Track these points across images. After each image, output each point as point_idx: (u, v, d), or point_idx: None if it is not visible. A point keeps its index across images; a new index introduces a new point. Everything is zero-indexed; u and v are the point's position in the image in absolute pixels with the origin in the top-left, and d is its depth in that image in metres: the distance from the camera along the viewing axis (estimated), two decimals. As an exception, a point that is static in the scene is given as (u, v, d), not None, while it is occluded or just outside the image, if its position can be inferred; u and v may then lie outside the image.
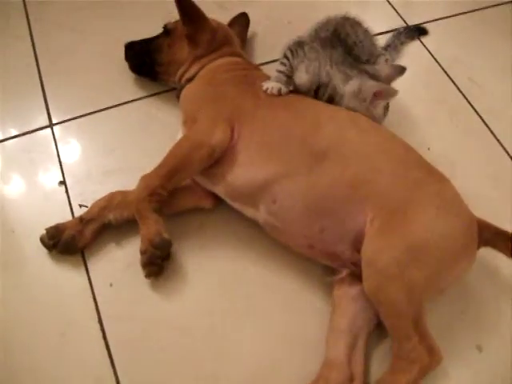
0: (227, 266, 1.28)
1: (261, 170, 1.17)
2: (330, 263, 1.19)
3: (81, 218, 1.25)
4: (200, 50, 1.41)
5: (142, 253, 1.18)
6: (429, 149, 1.47)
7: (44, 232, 1.24)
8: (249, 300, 1.24)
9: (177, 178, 1.20)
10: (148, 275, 1.20)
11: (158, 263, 1.19)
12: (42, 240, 1.24)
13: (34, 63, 1.59)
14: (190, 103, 1.32)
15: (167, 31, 1.46)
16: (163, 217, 1.21)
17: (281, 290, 1.25)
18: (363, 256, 1.07)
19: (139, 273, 1.23)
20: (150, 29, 1.50)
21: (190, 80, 1.40)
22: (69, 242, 1.22)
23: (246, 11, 1.66)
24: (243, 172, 1.19)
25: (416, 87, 1.65)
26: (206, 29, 1.41)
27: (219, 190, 1.25)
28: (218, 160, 1.21)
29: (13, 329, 1.17)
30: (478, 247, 1.13)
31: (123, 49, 1.51)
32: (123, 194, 1.28)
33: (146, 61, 1.48)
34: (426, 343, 1.05)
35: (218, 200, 1.30)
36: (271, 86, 1.27)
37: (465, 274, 1.16)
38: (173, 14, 1.41)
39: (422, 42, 1.77)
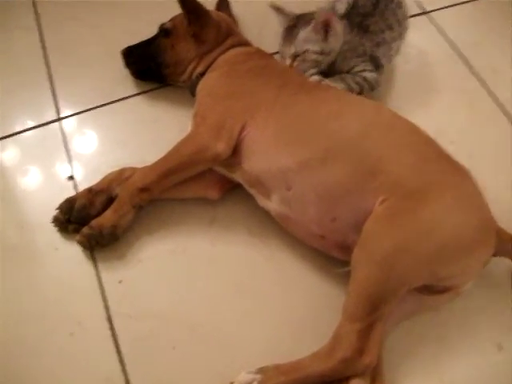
0: (240, 262, 1.24)
1: (277, 157, 1.15)
2: (342, 256, 1.15)
3: (90, 189, 1.25)
4: (207, 46, 1.39)
5: (89, 227, 1.20)
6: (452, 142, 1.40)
7: (56, 213, 1.24)
8: (262, 296, 1.20)
9: (174, 177, 1.22)
10: (78, 243, 1.22)
11: (92, 244, 1.21)
12: (56, 219, 1.24)
13: (42, 55, 1.57)
14: (206, 95, 1.29)
15: (166, 32, 1.41)
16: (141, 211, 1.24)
17: (295, 285, 1.21)
18: (363, 229, 1.04)
19: (149, 269, 1.22)
20: (162, 19, 1.45)
21: (202, 74, 1.37)
22: (81, 211, 1.23)
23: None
24: (259, 160, 1.18)
25: (434, 75, 1.59)
26: (211, 24, 1.38)
27: (237, 177, 1.24)
28: (235, 149, 1.20)
29: (22, 328, 1.15)
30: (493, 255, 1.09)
31: (132, 41, 1.47)
32: (134, 170, 1.27)
33: (150, 65, 1.44)
34: (365, 340, 1.00)
35: (224, 192, 1.29)
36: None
37: (475, 274, 1.10)
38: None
39: (441, 28, 1.70)
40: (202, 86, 1.32)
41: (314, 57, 1.31)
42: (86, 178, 1.34)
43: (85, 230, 1.20)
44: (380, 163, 1.09)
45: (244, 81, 1.26)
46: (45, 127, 1.44)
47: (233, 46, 1.39)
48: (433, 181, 1.07)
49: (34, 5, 1.68)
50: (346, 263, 1.11)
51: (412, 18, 1.55)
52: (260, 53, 1.39)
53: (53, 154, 1.39)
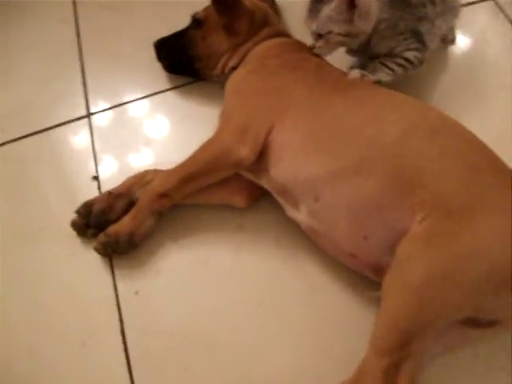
0: (265, 277, 1.13)
1: (305, 163, 1.03)
2: (375, 277, 1.02)
3: (109, 192, 1.19)
4: (240, 37, 1.27)
5: (105, 234, 1.13)
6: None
7: (74, 216, 1.18)
8: (287, 316, 1.09)
9: (196, 183, 1.13)
10: (94, 250, 1.15)
11: (108, 252, 1.14)
12: (74, 224, 1.18)
13: (77, 47, 1.51)
14: (233, 93, 1.18)
15: (198, 22, 1.30)
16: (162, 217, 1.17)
17: (324, 305, 1.10)
18: (397, 251, 0.91)
19: (168, 282, 1.15)
20: (202, 6, 1.33)
21: (235, 68, 1.26)
22: (99, 215, 1.16)
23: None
24: (287, 166, 1.06)
25: (494, 71, 1.39)
26: (243, 14, 1.25)
27: (263, 184, 1.13)
28: (261, 153, 1.09)
29: (33, 335, 1.11)
30: None
31: (170, 31, 1.37)
32: (156, 173, 1.20)
33: (183, 59, 1.34)
34: (392, 379, 0.87)
35: (252, 199, 1.19)
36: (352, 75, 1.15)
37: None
38: None
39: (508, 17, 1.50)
40: (230, 82, 1.21)
41: (338, 39, 1.14)
42: (112, 179, 1.26)
43: (101, 237, 1.14)
44: (421, 175, 0.94)
45: (274, 77, 1.14)
46: (73, 123, 1.38)
47: (268, 37, 1.26)
48: (482, 197, 0.91)
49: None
50: (381, 285, 0.96)
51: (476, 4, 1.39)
52: (297, 44, 1.25)
53: (79, 152, 1.34)
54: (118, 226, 1.14)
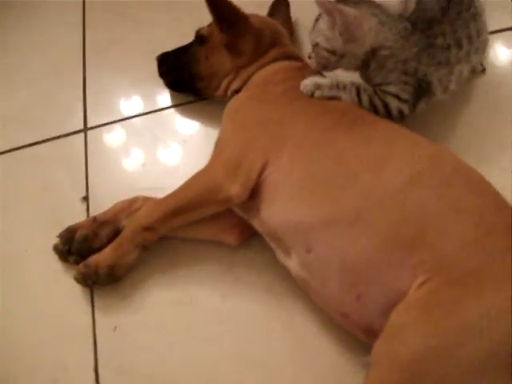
0: (252, 325, 1.04)
1: (299, 209, 0.93)
2: (366, 339, 0.92)
3: (94, 218, 1.12)
4: (244, 58, 1.16)
5: (85, 265, 1.06)
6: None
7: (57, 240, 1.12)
8: (271, 370, 1.00)
9: (183, 218, 1.04)
10: (74, 279, 1.08)
11: (88, 283, 1.08)
12: (56, 248, 1.12)
13: (81, 55, 1.45)
14: (230, 121, 1.09)
15: (201, 39, 1.20)
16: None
17: (312, 362, 1.00)
18: (391, 317, 0.81)
19: (149, 319, 1.08)
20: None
21: (238, 91, 1.17)
22: (82, 242, 1.09)
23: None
24: (279, 209, 0.96)
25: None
26: (249, 32, 1.15)
27: (254, 225, 1.03)
28: (253, 191, 0.99)
29: (4, 366, 1.06)
30: None
31: (177, 42, 1.27)
32: (146, 200, 1.13)
33: (184, 76, 1.24)
34: None
35: (244, 237, 1.09)
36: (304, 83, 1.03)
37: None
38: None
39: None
40: (228, 108, 1.11)
41: (324, 54, 1.03)
42: (102, 201, 1.19)
43: (80, 267, 1.07)
44: (424, 233, 0.84)
45: (274, 107, 1.04)
46: (69, 137, 1.32)
47: (275, 60, 1.15)
48: (492, 264, 0.81)
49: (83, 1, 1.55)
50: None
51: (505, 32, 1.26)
52: (305, 70, 1.13)
53: (71, 169, 1.27)
54: (99, 256, 1.06)
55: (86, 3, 1.54)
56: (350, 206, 0.89)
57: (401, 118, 1.03)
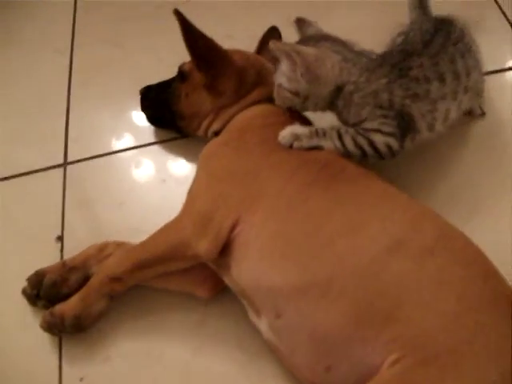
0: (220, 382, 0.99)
1: (269, 271, 0.87)
2: None
3: (64, 263, 1.07)
4: (225, 99, 1.10)
5: (51, 313, 1.01)
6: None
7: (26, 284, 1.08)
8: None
9: (151, 270, 1.00)
10: (40, 327, 1.03)
11: (55, 332, 1.03)
12: (24, 292, 1.07)
13: (67, 83, 1.40)
14: (203, 169, 1.03)
15: (183, 75, 1.14)
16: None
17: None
18: None
19: (116, 371, 1.02)
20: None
21: (218, 133, 1.11)
22: (50, 287, 1.05)
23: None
24: (250, 269, 0.90)
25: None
26: (230, 72, 1.08)
27: (225, 281, 0.98)
28: (224, 247, 0.93)
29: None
30: None
31: (166, 72, 1.22)
32: (118, 246, 1.09)
33: (164, 113, 1.19)
34: None
35: (217, 291, 1.04)
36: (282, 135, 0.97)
37: None
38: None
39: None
40: (203, 154, 1.05)
41: (287, 95, 0.98)
42: (77, 241, 1.14)
43: (46, 315, 1.02)
44: (400, 307, 0.77)
45: (250, 157, 0.97)
46: (48, 171, 1.27)
47: (257, 102, 1.09)
48: (473, 344, 0.74)
49: (74, 24, 1.51)
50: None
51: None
52: (288, 113, 1.06)
53: (47, 206, 1.22)
54: (65, 305, 1.02)
55: (76, 29, 1.50)
56: (321, 273, 0.83)
57: (391, 155, 0.96)
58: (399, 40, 1.04)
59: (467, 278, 0.81)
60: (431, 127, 0.98)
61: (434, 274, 0.80)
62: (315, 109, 1.02)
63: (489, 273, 0.82)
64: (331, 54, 0.96)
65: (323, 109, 1.01)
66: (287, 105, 1.02)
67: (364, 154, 0.96)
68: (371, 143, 0.95)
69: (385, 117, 0.94)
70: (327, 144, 0.97)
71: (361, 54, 0.98)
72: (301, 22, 1.07)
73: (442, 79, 0.95)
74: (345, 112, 0.97)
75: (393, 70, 0.94)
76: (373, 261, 0.81)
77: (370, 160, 0.98)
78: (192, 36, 1.04)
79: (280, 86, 0.98)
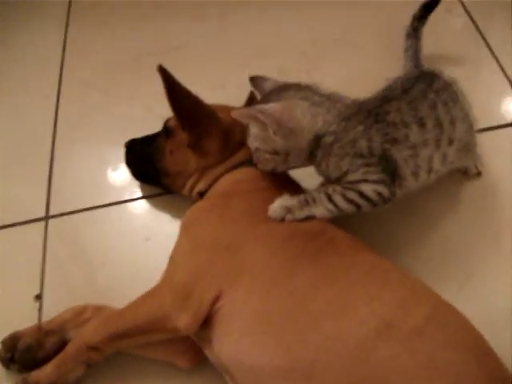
0: None
1: (251, 349, 0.82)
2: None
3: (40, 326, 1.03)
4: (210, 159, 1.06)
5: (24, 380, 0.96)
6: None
7: None
8: None
9: (130, 340, 0.94)
10: None
11: None
12: None
13: (51, 134, 1.36)
14: (185, 236, 0.98)
15: (168, 131, 1.10)
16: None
17: None
18: None
19: None
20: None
21: (202, 194, 1.07)
22: (25, 352, 1.00)
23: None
24: (232, 345, 0.84)
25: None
26: (216, 132, 1.05)
27: (207, 355, 0.93)
28: (206, 321, 0.88)
29: None
30: None
31: (154, 121, 1.17)
32: (97, 310, 1.04)
33: (149, 170, 1.15)
34: None
35: (199, 361, 0.98)
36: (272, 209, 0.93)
37: None
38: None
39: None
40: (186, 218, 1.01)
41: (267, 157, 0.95)
42: (57, 301, 1.09)
43: (19, 382, 0.97)
44: None
45: (235, 227, 0.92)
46: (28, 225, 1.22)
47: (243, 163, 1.05)
48: None
49: (61, 71, 1.48)
50: None
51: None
52: (277, 175, 1.03)
53: (26, 262, 1.17)
54: (40, 373, 0.97)
55: (63, 75, 1.47)
56: (305, 355, 0.78)
57: (383, 201, 0.92)
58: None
59: (460, 362, 0.75)
60: (416, 174, 0.93)
61: (424, 360, 0.75)
62: (299, 163, 0.98)
63: (483, 355, 0.78)
64: (297, 101, 0.92)
65: (306, 162, 0.97)
66: (270, 167, 0.98)
67: (358, 206, 0.92)
68: (361, 194, 0.91)
69: (367, 165, 0.90)
70: (319, 211, 0.93)
71: (329, 97, 0.95)
72: (256, 80, 1.04)
73: (421, 124, 0.91)
74: (323, 164, 0.93)
75: (369, 115, 0.91)
76: (360, 345, 0.76)
77: (364, 210, 0.94)
78: (176, 94, 1.01)
79: (257, 149, 0.95)
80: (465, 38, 1.42)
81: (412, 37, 1.24)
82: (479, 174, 1.15)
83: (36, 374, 0.97)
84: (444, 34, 1.41)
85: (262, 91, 1.02)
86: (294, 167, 1.02)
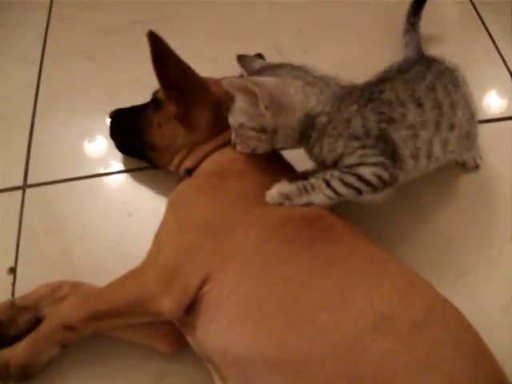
0: None
1: (239, 338, 0.78)
2: None
3: (13, 302, 0.97)
4: (199, 133, 1.01)
5: None
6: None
7: None
8: None
9: (109, 322, 0.90)
10: None
11: None
12: None
13: (33, 97, 1.29)
14: (172, 214, 0.93)
15: (157, 103, 1.05)
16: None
17: None
18: None
19: None
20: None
21: (190, 171, 1.02)
22: None
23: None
24: (218, 333, 0.80)
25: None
26: (205, 104, 0.99)
27: (189, 342, 0.88)
28: (191, 304, 0.83)
29: None
30: None
31: (142, 91, 1.11)
32: (75, 287, 0.99)
33: (134, 142, 1.10)
34: None
35: (179, 346, 0.94)
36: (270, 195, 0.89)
37: None
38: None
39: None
40: (175, 196, 0.96)
41: (251, 134, 0.91)
42: (32, 275, 1.05)
43: None
44: None
45: (228, 209, 0.88)
46: (3, 194, 1.16)
47: None
48: None
49: (46, 33, 1.42)
50: None
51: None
52: (272, 157, 0.99)
53: (2, 232, 1.12)
54: (11, 352, 0.92)
55: (48, 37, 1.40)
56: (299, 347, 0.74)
57: (384, 185, 0.89)
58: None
59: (457, 359, 0.73)
60: (415, 158, 0.91)
61: (421, 356, 0.72)
62: (286, 143, 0.94)
63: (480, 354, 0.76)
64: (291, 80, 0.89)
65: (293, 143, 0.93)
66: (252, 147, 0.94)
67: (358, 191, 0.89)
68: (360, 178, 0.88)
69: (363, 147, 0.87)
70: (319, 198, 0.89)
71: (322, 78, 0.91)
72: (243, 59, 0.99)
73: (419, 104, 0.89)
74: (317, 146, 0.90)
75: (363, 94, 0.89)
76: (356, 338, 0.73)
77: (365, 195, 0.91)
78: (163, 61, 0.95)
79: (242, 126, 0.90)
80: (466, 26, 1.39)
81: (410, 31, 1.23)
82: (477, 167, 1.13)
83: (7, 353, 0.92)
84: (445, 22, 1.38)
85: (250, 71, 0.97)
86: (277, 148, 0.98)
